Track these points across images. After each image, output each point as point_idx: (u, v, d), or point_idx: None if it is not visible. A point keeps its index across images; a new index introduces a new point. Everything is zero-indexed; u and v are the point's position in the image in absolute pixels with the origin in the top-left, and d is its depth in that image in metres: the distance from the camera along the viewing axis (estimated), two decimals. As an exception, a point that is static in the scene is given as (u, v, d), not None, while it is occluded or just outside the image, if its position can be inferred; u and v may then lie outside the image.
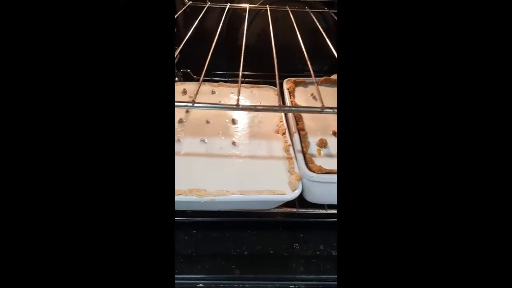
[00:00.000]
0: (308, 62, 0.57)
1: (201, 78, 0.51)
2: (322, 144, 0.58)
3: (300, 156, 0.54)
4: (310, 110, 0.53)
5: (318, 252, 0.59)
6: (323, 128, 0.63)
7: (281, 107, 0.50)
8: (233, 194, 0.48)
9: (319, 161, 0.55)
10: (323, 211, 0.58)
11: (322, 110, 0.45)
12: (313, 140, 0.60)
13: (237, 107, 0.44)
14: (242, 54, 0.59)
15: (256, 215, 0.60)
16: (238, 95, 0.47)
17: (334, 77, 0.79)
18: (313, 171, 0.51)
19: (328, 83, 0.77)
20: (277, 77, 0.52)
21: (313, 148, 0.58)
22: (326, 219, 0.60)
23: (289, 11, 0.80)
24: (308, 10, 0.84)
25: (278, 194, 0.50)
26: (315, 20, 0.76)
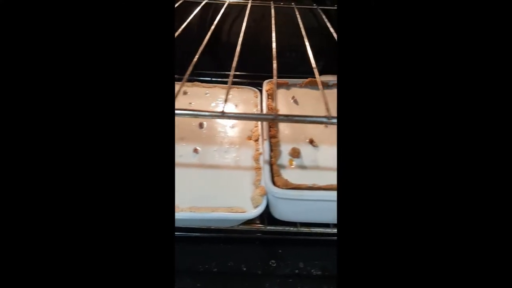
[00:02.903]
0: (314, 63, 0.51)
1: (185, 78, 0.44)
2: (295, 153, 0.52)
3: (266, 168, 0.48)
4: (312, 120, 0.43)
5: (296, 271, 0.53)
6: (300, 135, 0.57)
7: (276, 115, 0.40)
8: (182, 210, 0.42)
9: (289, 174, 0.48)
10: (295, 229, 0.52)
11: (328, 119, 0.39)
12: (286, 149, 0.53)
13: (222, 114, 0.37)
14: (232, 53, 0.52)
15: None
16: (226, 100, 0.40)
17: (321, 78, 0.72)
18: (278, 186, 0.45)
19: (313, 86, 0.71)
20: (276, 77, 0.46)
21: (284, 158, 0.52)
22: (308, 237, 0.54)
23: (272, 7, 0.74)
24: (294, 6, 0.78)
25: (236, 211, 0.44)
26: (298, 17, 0.70)
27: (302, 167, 0.50)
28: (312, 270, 0.53)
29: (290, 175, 0.48)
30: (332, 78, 0.72)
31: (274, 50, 0.53)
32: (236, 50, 0.51)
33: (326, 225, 0.53)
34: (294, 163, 0.51)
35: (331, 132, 0.58)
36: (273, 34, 0.58)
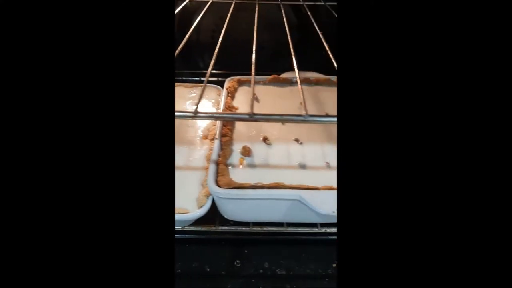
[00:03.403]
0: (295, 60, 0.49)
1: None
2: (246, 152, 0.51)
3: (212, 167, 0.47)
4: (289, 119, 0.41)
5: (261, 271, 0.52)
6: (255, 133, 0.56)
7: (252, 115, 0.36)
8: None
9: (238, 172, 0.47)
10: (247, 229, 0.51)
11: (305, 118, 0.38)
12: (238, 148, 0.52)
13: (195, 115, 0.35)
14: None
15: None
16: (199, 100, 0.37)
17: (285, 75, 0.71)
18: (220, 186, 0.44)
19: (277, 83, 0.70)
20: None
21: (236, 157, 0.51)
22: (276, 236, 0.54)
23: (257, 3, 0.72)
24: (280, 2, 0.76)
25: (179, 212, 0.43)
26: (284, 14, 0.68)
27: (252, 165, 0.49)
28: (277, 270, 0.53)
29: (239, 174, 0.47)
30: (295, 75, 0.71)
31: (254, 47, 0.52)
32: (216, 48, 0.51)
33: (280, 224, 0.53)
34: (244, 161, 0.50)
35: (288, 129, 0.57)
36: (255, 33, 0.57)
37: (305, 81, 0.70)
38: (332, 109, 0.61)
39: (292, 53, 0.52)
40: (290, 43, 0.54)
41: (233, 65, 0.75)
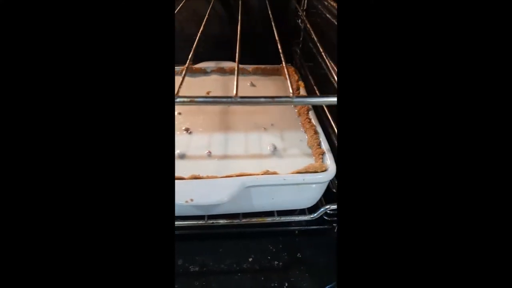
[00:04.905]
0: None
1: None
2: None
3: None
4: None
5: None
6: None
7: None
8: None
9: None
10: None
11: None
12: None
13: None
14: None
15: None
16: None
17: (199, 65, 0.69)
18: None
19: (190, 73, 0.67)
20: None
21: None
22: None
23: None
24: None
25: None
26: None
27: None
28: (190, 267, 0.51)
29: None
30: (212, 65, 0.69)
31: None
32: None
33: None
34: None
35: (181, 119, 0.56)
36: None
37: (220, 71, 0.68)
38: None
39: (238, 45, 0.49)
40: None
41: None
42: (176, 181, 0.42)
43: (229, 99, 0.35)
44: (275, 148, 0.50)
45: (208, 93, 0.61)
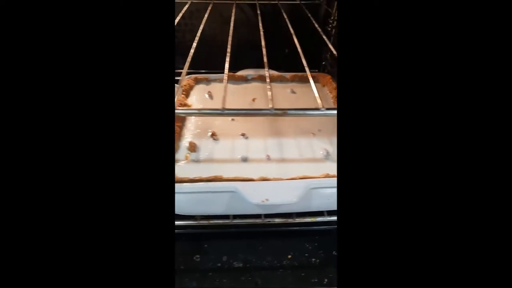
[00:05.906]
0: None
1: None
2: (191, 147, 0.52)
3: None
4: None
5: (218, 264, 0.54)
6: (204, 129, 0.57)
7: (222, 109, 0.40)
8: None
9: (181, 168, 0.49)
10: (195, 223, 0.53)
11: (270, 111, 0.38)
12: (185, 143, 0.54)
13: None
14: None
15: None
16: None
17: (240, 73, 0.73)
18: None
19: (232, 80, 0.71)
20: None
21: (182, 153, 0.52)
22: (234, 229, 0.55)
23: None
24: (256, 2, 0.77)
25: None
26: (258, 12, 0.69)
27: (196, 160, 0.51)
28: (234, 263, 0.54)
29: (182, 169, 0.48)
30: (251, 73, 0.72)
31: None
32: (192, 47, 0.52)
33: (226, 217, 0.54)
34: (190, 157, 0.51)
35: (236, 125, 0.59)
36: (230, 32, 0.58)
37: (260, 78, 0.71)
38: (282, 103, 0.63)
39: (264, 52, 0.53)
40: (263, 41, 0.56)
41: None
42: (251, 182, 0.45)
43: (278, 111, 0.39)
44: (327, 152, 0.53)
45: (254, 100, 0.65)
